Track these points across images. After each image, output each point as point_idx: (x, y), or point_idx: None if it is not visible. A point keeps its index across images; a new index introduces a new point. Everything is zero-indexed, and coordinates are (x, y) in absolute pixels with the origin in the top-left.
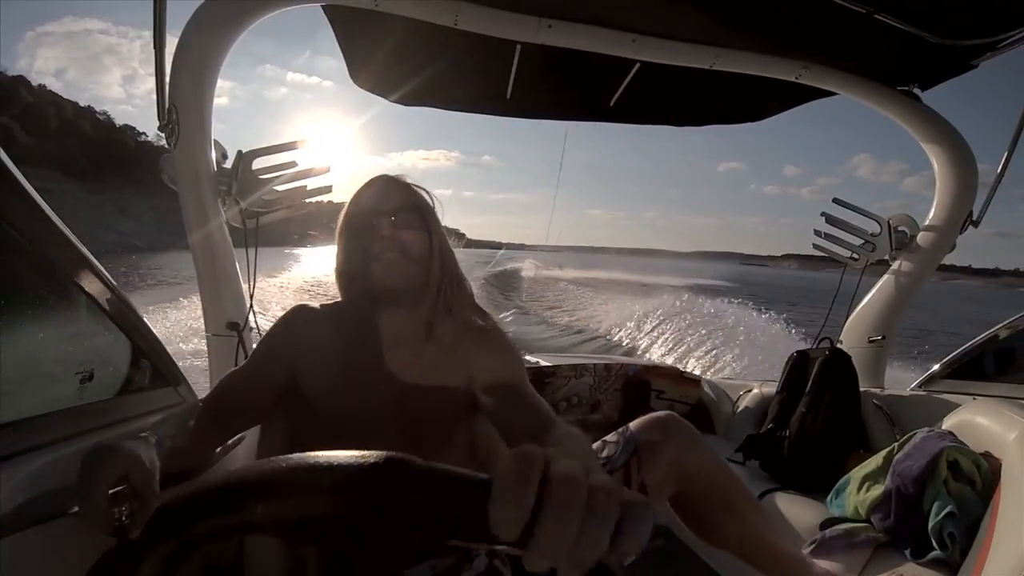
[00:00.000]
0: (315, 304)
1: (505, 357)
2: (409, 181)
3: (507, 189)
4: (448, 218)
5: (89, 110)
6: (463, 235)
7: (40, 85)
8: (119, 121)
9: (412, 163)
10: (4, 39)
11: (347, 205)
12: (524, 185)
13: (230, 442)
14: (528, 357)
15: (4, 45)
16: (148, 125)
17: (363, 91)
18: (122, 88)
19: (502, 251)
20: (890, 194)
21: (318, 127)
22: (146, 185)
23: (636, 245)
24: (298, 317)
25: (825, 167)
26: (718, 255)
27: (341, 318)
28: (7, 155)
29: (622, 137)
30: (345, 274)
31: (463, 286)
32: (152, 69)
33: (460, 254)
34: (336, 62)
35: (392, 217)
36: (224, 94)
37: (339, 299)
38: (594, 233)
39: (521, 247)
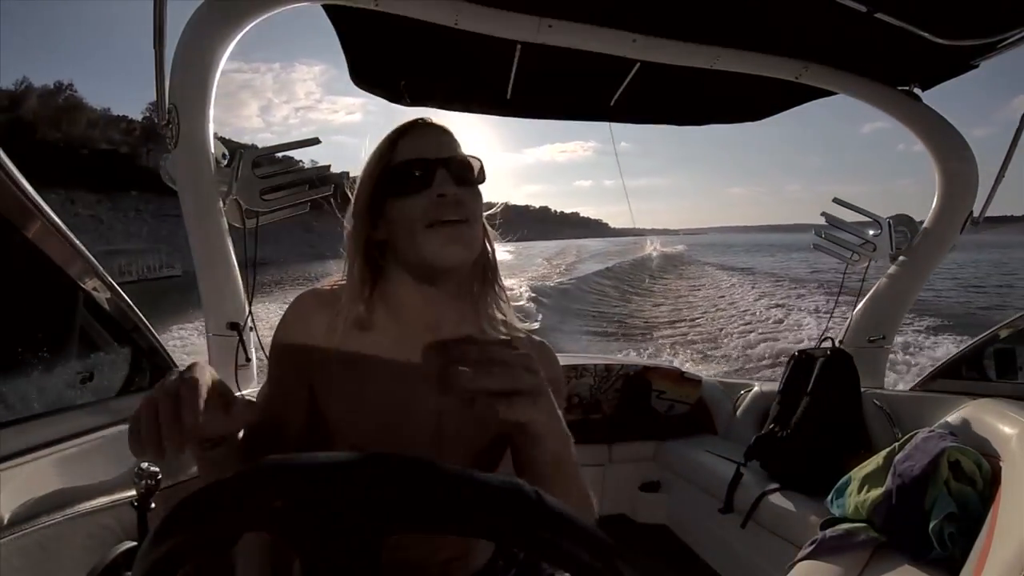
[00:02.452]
0: (325, 288)
1: (550, 379)
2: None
3: (647, 174)
4: (591, 208)
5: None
6: (606, 224)
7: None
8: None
9: (550, 157)
10: (145, 88)
11: (377, 153)
12: (662, 169)
13: None
14: None
15: (146, 92)
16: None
17: None
18: (260, 118)
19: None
20: None
21: (452, 130)
22: (314, 204)
23: (780, 221)
24: (309, 309)
25: (978, 116)
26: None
27: (366, 304)
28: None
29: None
30: (375, 243)
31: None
32: (152, 69)
33: (601, 243)
34: None
35: (453, 173)
36: (357, 110)
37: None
38: (736, 212)
39: (664, 232)
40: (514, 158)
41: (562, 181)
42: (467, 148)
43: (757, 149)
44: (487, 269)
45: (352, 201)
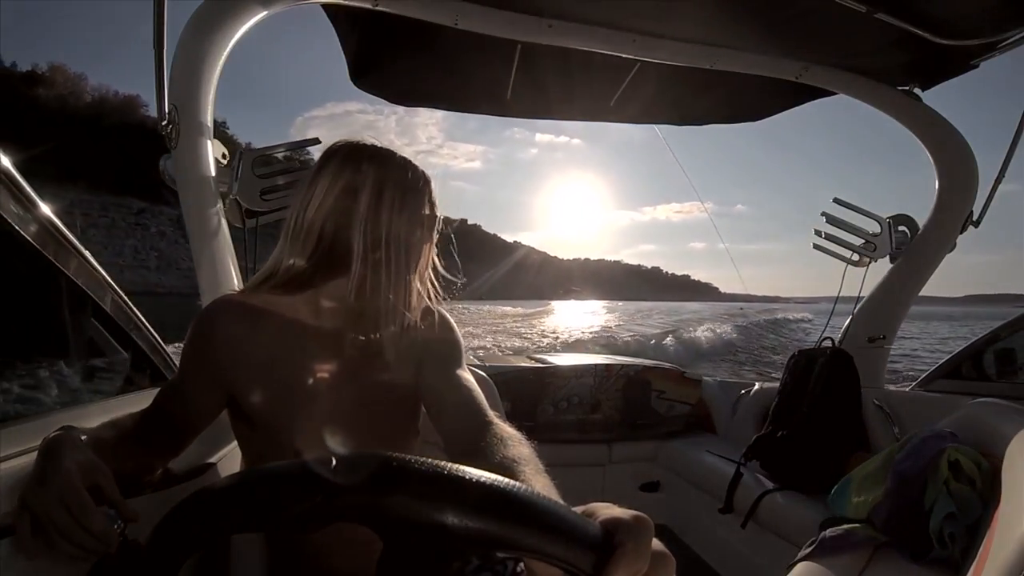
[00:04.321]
0: (235, 296)
1: (448, 342)
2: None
3: (762, 239)
4: (702, 271)
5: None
6: (716, 288)
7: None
8: None
9: (666, 216)
10: (282, 128)
11: (434, 201)
12: (779, 232)
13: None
14: (528, 357)
15: (283, 131)
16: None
17: (610, 152)
18: None
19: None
20: None
21: (570, 185)
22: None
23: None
24: (224, 318)
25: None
26: (991, 298)
27: (274, 308)
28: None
29: (875, 172)
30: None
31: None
32: (152, 70)
33: (701, 306)
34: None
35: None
36: (477, 158)
37: (260, 285)
38: (855, 281)
39: (775, 299)
40: (630, 216)
41: (677, 241)
42: (582, 205)
43: (878, 208)
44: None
45: (369, 199)
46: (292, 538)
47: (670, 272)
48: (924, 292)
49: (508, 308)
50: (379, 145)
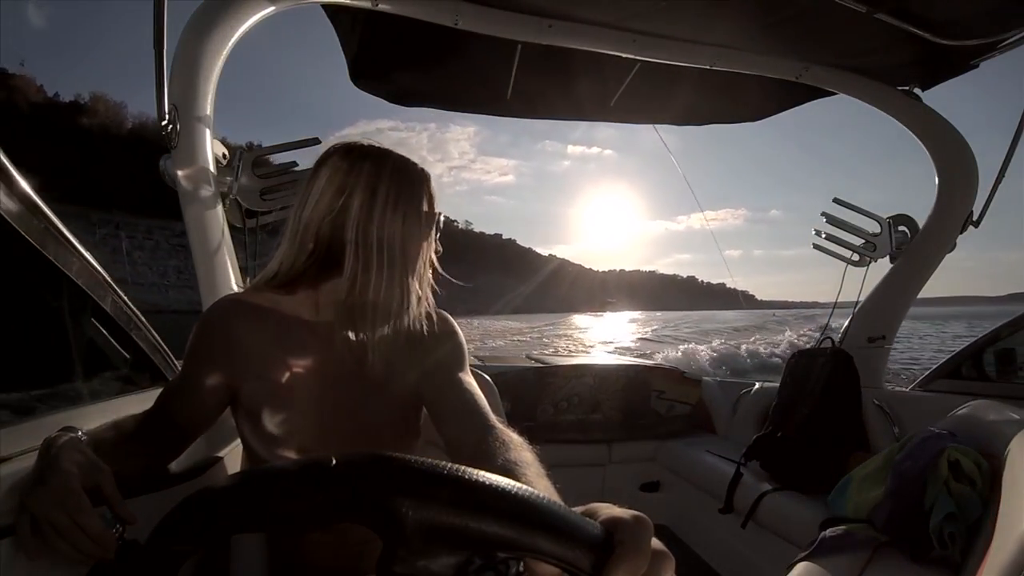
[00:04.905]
0: (242, 295)
1: (451, 345)
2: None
3: (799, 243)
4: (739, 278)
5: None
6: (752, 296)
7: None
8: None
9: (700, 225)
10: (315, 149)
11: (427, 199)
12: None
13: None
14: (528, 357)
15: (315, 152)
16: (447, 210)
17: (643, 162)
18: None
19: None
20: None
21: (603, 196)
22: (471, 263)
23: (940, 293)
24: (230, 315)
25: None
26: None
27: (276, 306)
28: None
29: (901, 171)
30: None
31: None
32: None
33: (735, 315)
34: (614, 131)
35: None
36: (510, 172)
37: (262, 285)
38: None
39: (813, 305)
40: (664, 225)
41: (712, 249)
42: (616, 216)
43: (924, 210)
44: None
45: (363, 198)
46: (292, 538)
47: (705, 281)
48: (963, 291)
49: (514, 323)
50: (376, 145)
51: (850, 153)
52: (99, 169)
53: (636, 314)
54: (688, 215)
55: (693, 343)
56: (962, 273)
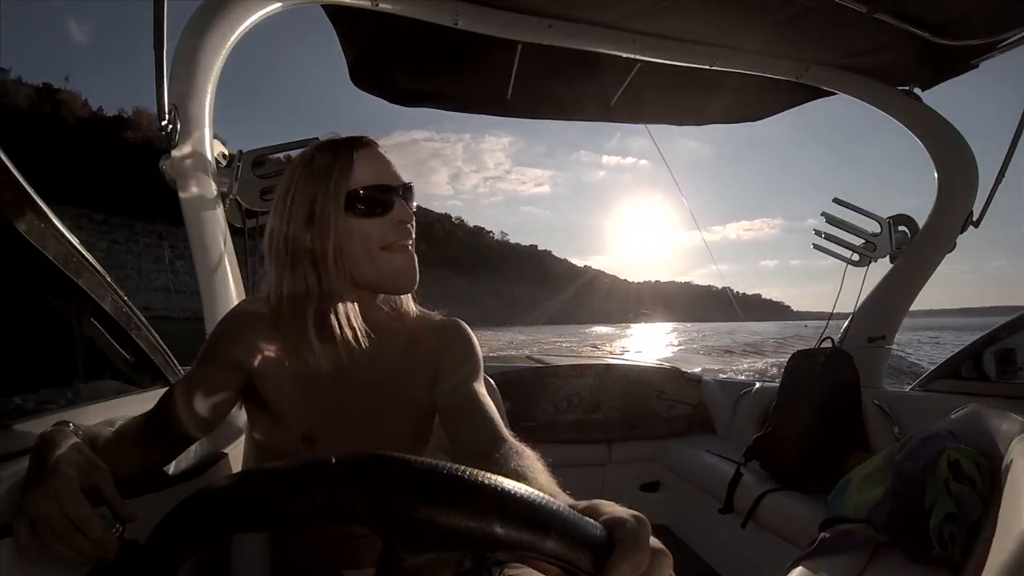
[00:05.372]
0: (257, 301)
1: (465, 354)
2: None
3: None
4: (775, 289)
5: (460, 220)
6: (787, 307)
7: (420, 208)
8: (452, 214)
9: (736, 235)
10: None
11: (333, 171)
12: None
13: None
14: (529, 357)
15: None
16: (482, 220)
17: (677, 173)
18: (449, 185)
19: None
20: None
21: (639, 207)
22: (507, 274)
23: (982, 303)
24: (244, 320)
25: None
26: None
27: (291, 313)
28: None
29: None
30: (319, 260)
31: None
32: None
33: (767, 326)
34: (649, 140)
35: (407, 198)
36: (545, 182)
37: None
38: (933, 293)
39: (847, 315)
40: (699, 236)
41: (747, 260)
42: (651, 226)
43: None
44: None
45: (286, 214)
46: (293, 537)
47: (741, 291)
48: (1011, 301)
49: (522, 336)
50: (313, 147)
51: (893, 160)
52: (143, 181)
53: (670, 325)
54: (723, 224)
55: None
56: (1003, 284)
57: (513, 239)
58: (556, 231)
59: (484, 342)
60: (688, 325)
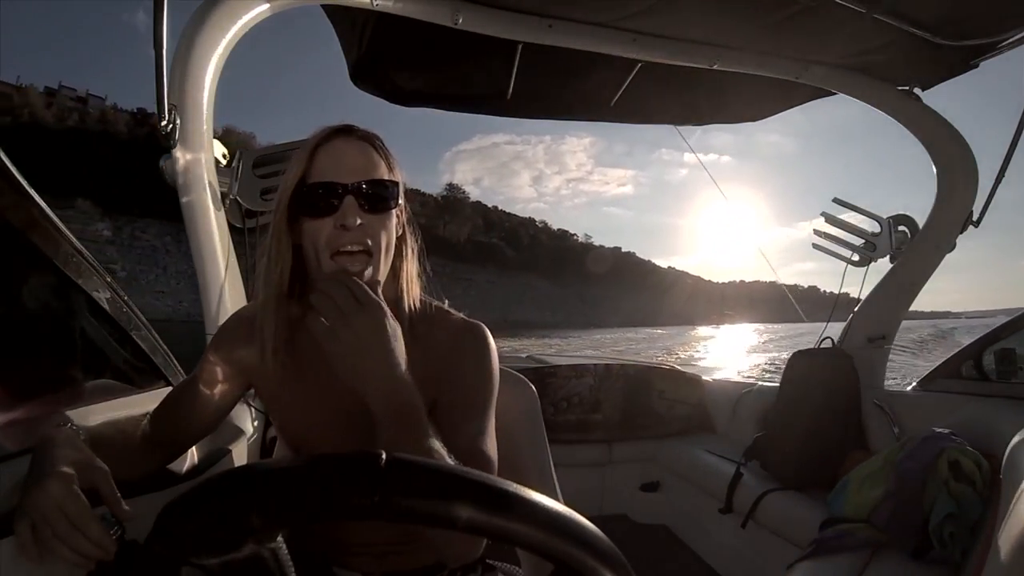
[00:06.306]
0: (249, 310)
1: (474, 361)
2: (366, 130)
3: None
4: (866, 288)
5: (544, 224)
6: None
7: (497, 209)
8: (536, 217)
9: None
10: (432, 164)
11: (297, 164)
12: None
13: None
14: (529, 357)
15: (432, 168)
16: (566, 223)
17: (761, 168)
18: (532, 188)
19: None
20: None
21: (722, 204)
22: (590, 277)
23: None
24: (235, 333)
25: None
26: None
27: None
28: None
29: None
30: (279, 267)
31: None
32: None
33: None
34: (731, 136)
35: (362, 199)
36: (627, 182)
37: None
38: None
39: (945, 315)
40: (786, 232)
41: (834, 259)
42: (736, 223)
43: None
44: (405, 280)
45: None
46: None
47: (827, 291)
48: (1009, 303)
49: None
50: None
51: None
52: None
53: (756, 326)
54: (809, 220)
55: None
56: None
57: (597, 241)
58: (639, 232)
59: (568, 347)
60: (776, 326)
